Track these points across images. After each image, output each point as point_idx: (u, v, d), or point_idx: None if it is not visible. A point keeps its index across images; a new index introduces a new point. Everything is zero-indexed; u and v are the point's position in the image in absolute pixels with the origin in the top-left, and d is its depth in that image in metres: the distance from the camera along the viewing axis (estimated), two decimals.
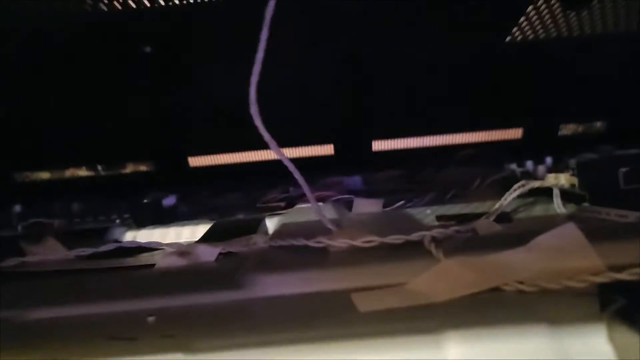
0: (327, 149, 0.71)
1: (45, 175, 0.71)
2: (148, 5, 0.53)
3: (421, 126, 0.71)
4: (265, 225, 0.50)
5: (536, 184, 0.49)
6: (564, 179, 0.50)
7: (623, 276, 0.23)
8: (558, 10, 0.57)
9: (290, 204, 0.60)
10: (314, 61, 0.61)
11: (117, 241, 0.51)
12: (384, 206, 0.55)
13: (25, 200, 0.64)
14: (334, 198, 0.58)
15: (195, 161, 0.72)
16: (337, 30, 0.58)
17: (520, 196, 0.49)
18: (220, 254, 0.39)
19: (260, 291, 0.30)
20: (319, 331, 0.24)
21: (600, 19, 0.58)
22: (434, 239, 0.33)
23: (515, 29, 0.58)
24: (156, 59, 0.59)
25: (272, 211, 0.57)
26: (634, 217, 0.36)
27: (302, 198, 0.61)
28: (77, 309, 0.29)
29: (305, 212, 0.53)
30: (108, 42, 0.57)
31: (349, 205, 0.56)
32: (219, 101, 0.63)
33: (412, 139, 0.71)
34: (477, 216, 0.45)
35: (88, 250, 0.43)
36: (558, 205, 0.46)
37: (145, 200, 0.56)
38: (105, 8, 0.53)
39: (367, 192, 0.64)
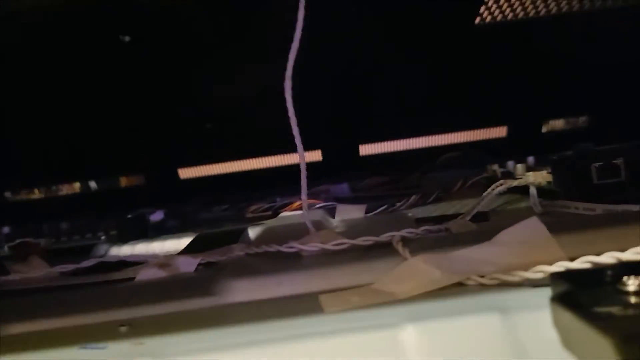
0: (315, 155, 0.71)
1: (34, 195, 0.72)
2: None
3: (407, 128, 0.71)
4: (247, 234, 0.51)
5: (514, 182, 0.49)
6: (541, 177, 0.50)
7: (575, 265, 0.24)
8: None
9: (275, 213, 0.61)
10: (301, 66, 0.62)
11: (100, 257, 0.52)
12: (367, 211, 0.56)
13: (15, 219, 0.64)
14: (318, 205, 0.59)
15: (185, 173, 0.72)
16: (323, 37, 0.59)
17: (500, 195, 0.50)
18: (199, 264, 0.39)
19: (232, 297, 0.31)
20: (289, 332, 0.24)
21: None
22: (403, 239, 0.34)
23: (486, 13, 0.59)
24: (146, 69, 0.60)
25: (258, 221, 0.57)
26: (601, 210, 0.36)
27: (287, 207, 0.61)
28: (51, 323, 0.30)
29: (288, 219, 0.53)
30: (96, 55, 0.58)
31: (333, 212, 0.57)
32: (210, 111, 0.64)
33: (399, 141, 0.72)
34: (456, 217, 0.46)
35: (70, 267, 0.43)
36: (534, 203, 0.46)
37: (129, 216, 0.57)
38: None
39: (354, 199, 0.65)
